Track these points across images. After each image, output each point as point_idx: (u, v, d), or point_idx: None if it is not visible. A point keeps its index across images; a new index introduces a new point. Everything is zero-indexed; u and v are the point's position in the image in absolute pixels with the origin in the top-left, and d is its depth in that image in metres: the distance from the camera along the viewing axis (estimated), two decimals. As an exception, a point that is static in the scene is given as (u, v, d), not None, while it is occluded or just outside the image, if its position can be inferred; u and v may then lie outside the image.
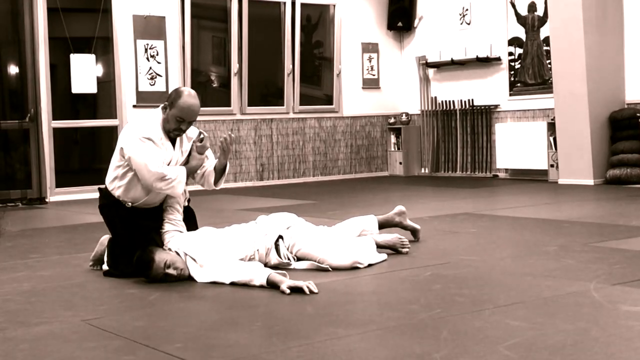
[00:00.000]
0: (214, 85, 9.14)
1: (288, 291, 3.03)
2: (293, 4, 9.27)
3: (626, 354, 2.18)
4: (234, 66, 8.91)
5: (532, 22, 8.63)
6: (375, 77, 10.02)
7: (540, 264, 3.55)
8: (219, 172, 3.72)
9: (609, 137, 7.75)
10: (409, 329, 2.52)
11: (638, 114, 7.53)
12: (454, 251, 3.98)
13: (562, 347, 2.26)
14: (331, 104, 9.74)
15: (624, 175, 7.47)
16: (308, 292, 3.01)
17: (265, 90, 9.48)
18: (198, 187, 3.97)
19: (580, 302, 2.81)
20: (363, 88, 9.93)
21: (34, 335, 2.59)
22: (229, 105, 8.96)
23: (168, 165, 3.54)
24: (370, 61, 9.96)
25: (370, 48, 9.95)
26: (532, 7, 8.61)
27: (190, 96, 3.51)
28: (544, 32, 8.43)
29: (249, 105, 9.06)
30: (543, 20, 8.44)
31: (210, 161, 3.74)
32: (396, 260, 3.72)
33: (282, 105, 9.37)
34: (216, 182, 3.73)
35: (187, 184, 3.68)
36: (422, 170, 9.88)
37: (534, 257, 3.76)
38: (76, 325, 2.71)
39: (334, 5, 9.64)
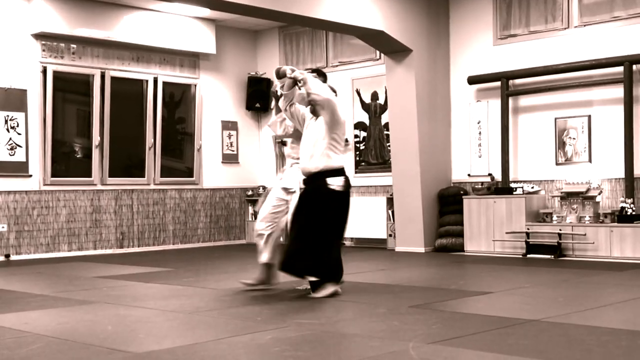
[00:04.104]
0: (78, 156, 8.91)
1: None
2: (155, 81, 9.33)
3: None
4: (96, 139, 8.77)
5: (375, 109, 9.16)
6: (235, 152, 10.20)
7: (369, 326, 3.71)
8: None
9: (437, 211, 8.31)
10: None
11: (462, 192, 8.17)
12: (296, 314, 4.07)
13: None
14: (192, 176, 9.77)
15: (449, 244, 8.06)
16: None
17: (128, 162, 9.35)
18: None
19: None
20: (223, 162, 10.07)
21: None
22: (90, 176, 8.77)
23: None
24: (230, 138, 10.15)
25: (230, 126, 10.16)
26: (374, 96, 9.17)
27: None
28: (384, 118, 8.92)
29: (109, 176, 8.89)
30: (384, 108, 8.95)
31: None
32: (241, 322, 3.77)
33: (143, 176, 9.28)
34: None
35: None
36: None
37: (366, 319, 3.92)
38: None
39: (196, 85, 9.80)
